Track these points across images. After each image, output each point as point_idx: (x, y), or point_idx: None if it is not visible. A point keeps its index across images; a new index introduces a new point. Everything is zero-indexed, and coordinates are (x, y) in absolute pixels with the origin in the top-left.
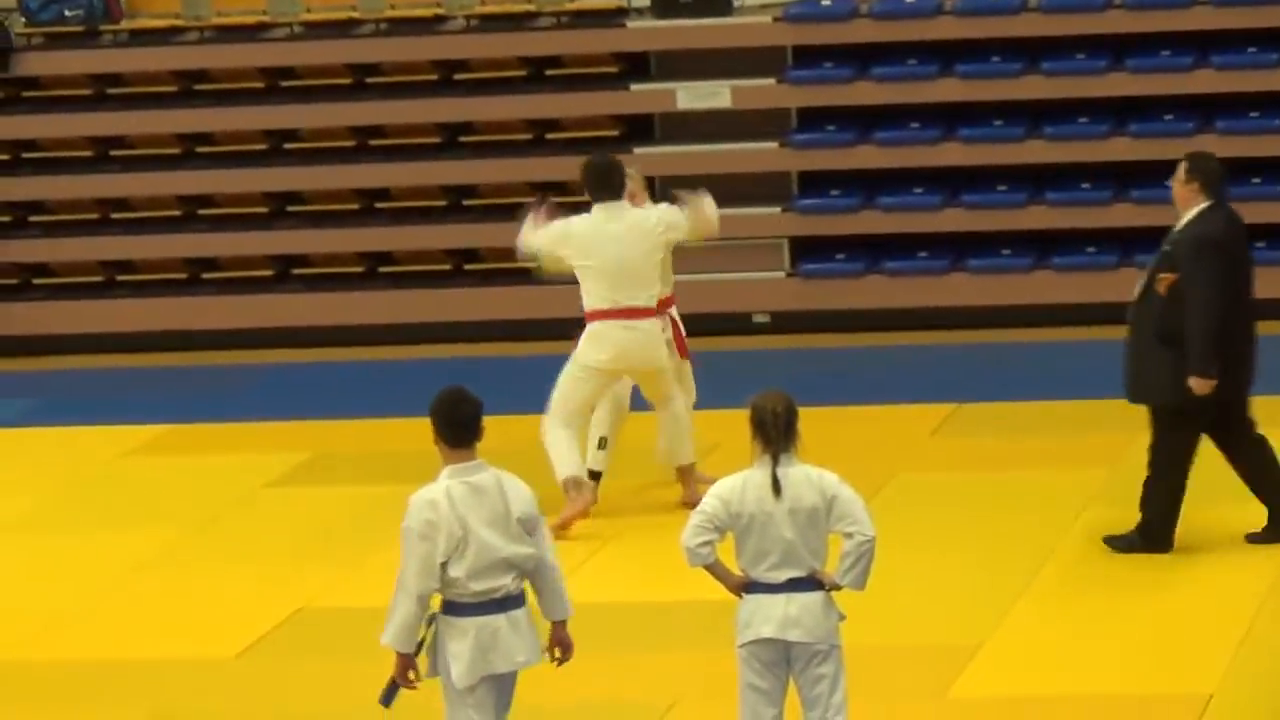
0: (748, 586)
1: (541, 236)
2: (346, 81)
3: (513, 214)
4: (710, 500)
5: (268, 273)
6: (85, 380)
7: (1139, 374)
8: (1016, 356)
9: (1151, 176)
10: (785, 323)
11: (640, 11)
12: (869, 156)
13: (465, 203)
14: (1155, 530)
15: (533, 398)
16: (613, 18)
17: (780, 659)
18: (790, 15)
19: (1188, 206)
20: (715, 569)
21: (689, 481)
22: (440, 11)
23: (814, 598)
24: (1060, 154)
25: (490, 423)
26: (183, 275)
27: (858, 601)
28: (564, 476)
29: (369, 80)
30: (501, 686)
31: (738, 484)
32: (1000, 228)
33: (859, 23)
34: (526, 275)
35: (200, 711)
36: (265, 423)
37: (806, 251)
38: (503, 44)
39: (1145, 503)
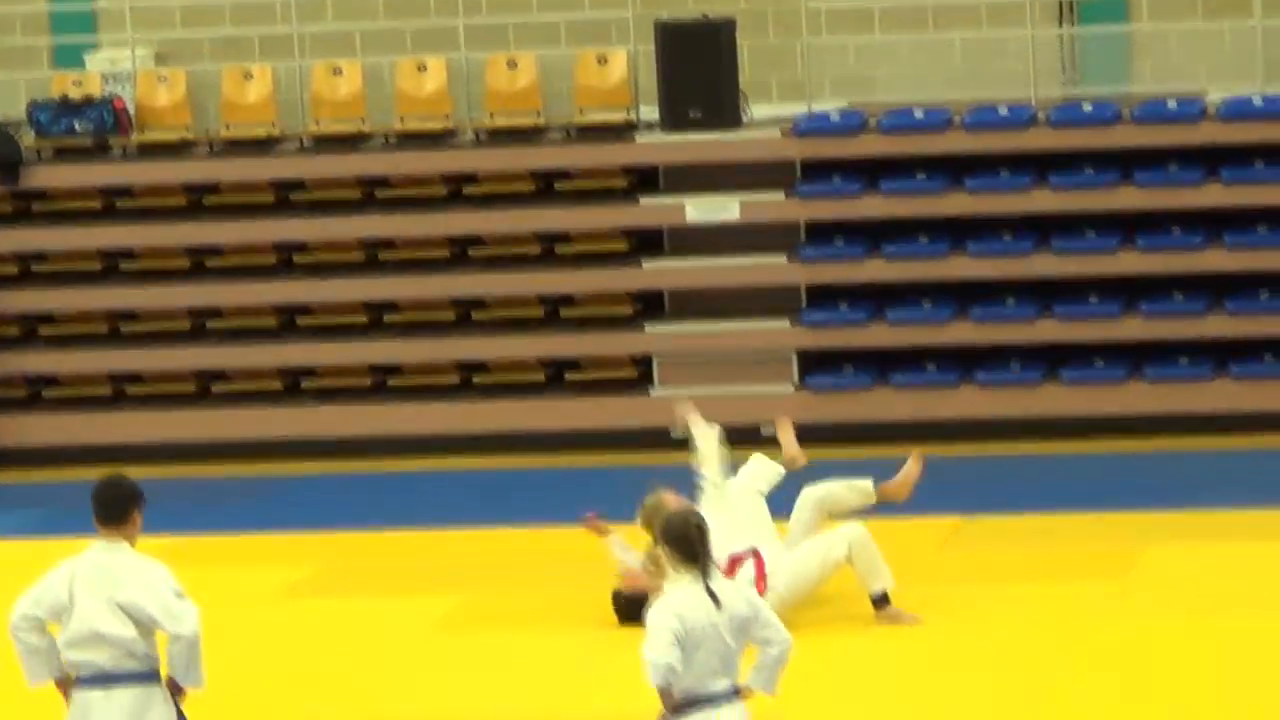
0: (686, 705)
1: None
2: (356, 195)
3: (522, 328)
4: (668, 618)
5: (275, 385)
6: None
7: None
8: (1026, 469)
9: (1161, 291)
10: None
11: (649, 125)
12: (877, 270)
13: (474, 315)
14: None
15: (535, 507)
16: (621, 131)
17: None
18: (799, 129)
19: None
20: (670, 689)
21: None
22: (450, 125)
23: (743, 705)
24: (1068, 267)
25: (491, 534)
26: (191, 388)
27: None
28: None
29: (378, 194)
30: None
31: (683, 601)
32: (1008, 341)
33: (867, 137)
34: (534, 389)
35: None
36: (272, 534)
37: (814, 365)
38: (512, 158)
39: None
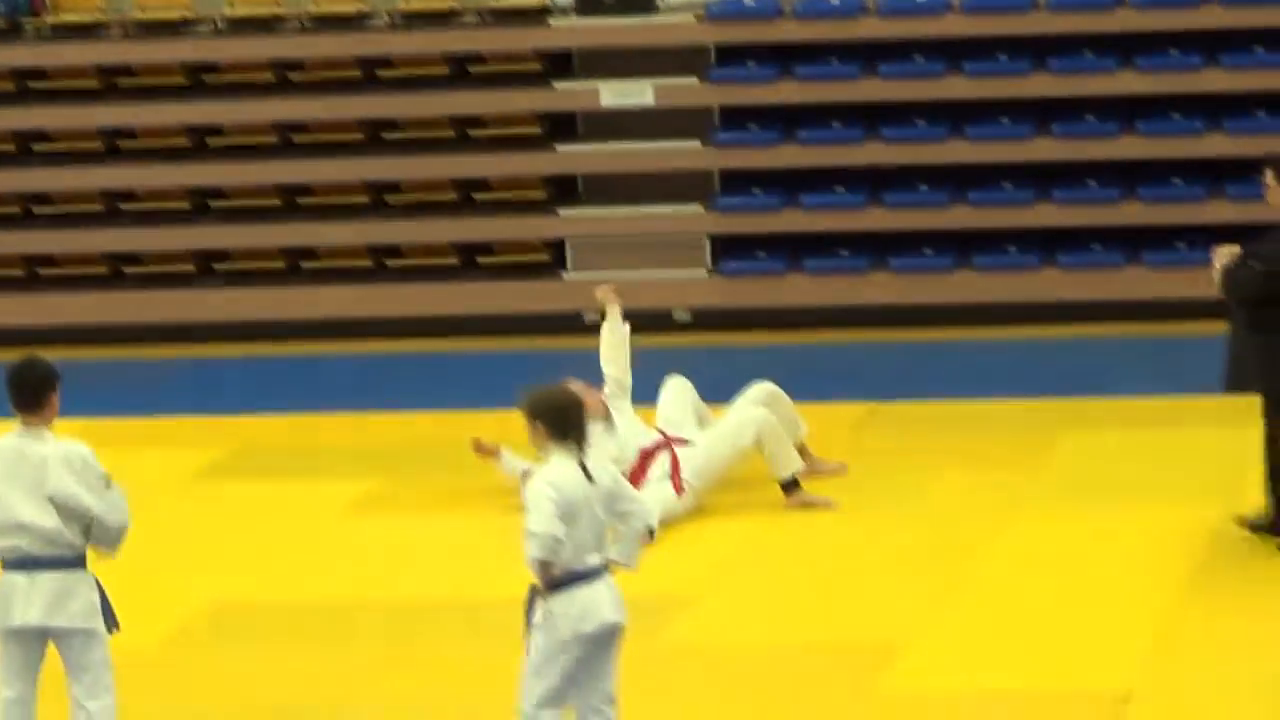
0: (563, 580)
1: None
2: (270, 78)
3: (436, 211)
4: (547, 490)
5: (189, 268)
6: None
7: (1235, 365)
8: (938, 354)
9: (1072, 178)
10: (706, 320)
11: (564, 9)
12: (791, 155)
13: (388, 199)
14: None
15: (451, 392)
16: (536, 15)
17: (600, 644)
18: (713, 14)
19: None
20: (553, 563)
21: None
22: (364, 9)
23: (612, 581)
24: (982, 154)
25: (401, 419)
26: (104, 270)
27: (782, 597)
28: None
29: (292, 77)
30: (26, 643)
31: (561, 474)
32: (921, 227)
33: (782, 22)
34: (447, 272)
35: (122, 701)
36: (185, 417)
37: (728, 250)
38: (426, 41)
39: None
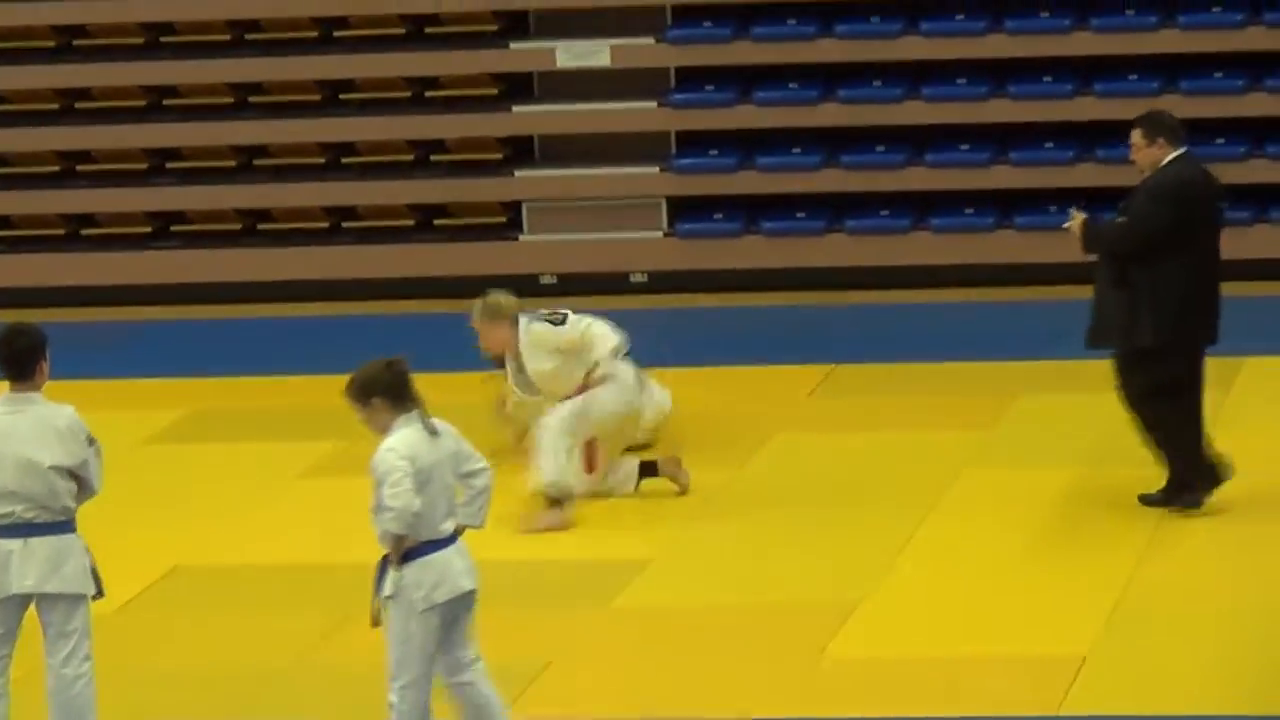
0: (415, 550)
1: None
2: (225, 38)
3: (392, 172)
4: (402, 462)
5: (145, 229)
6: None
7: (1098, 321)
8: (895, 317)
9: (1031, 139)
10: (663, 282)
11: None
12: (748, 116)
13: (344, 160)
14: (1186, 475)
15: (406, 353)
16: None
17: (455, 613)
18: None
19: (1156, 164)
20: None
21: None
22: None
23: (463, 545)
24: (939, 115)
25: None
26: (60, 231)
27: (735, 561)
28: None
29: (248, 37)
30: (13, 609)
31: (409, 440)
32: (878, 189)
33: None
34: (403, 234)
35: None
36: (140, 380)
37: (684, 211)
38: (382, 1)
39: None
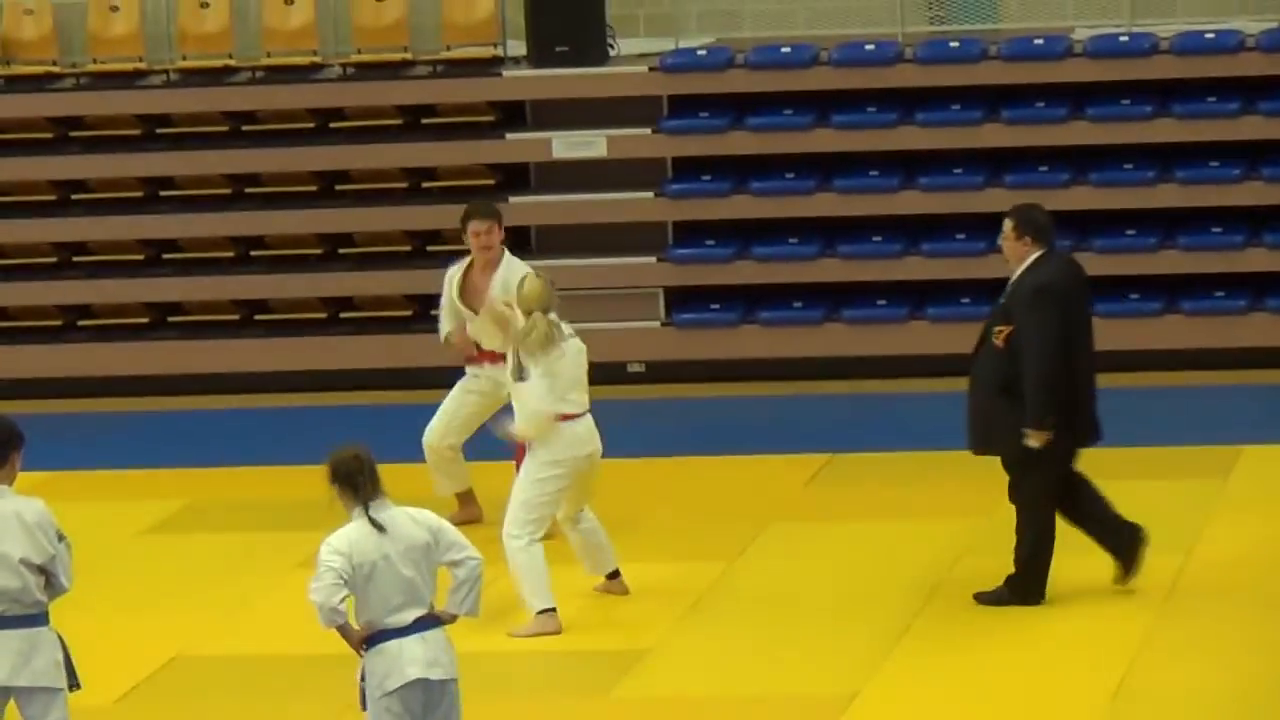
0: (372, 639)
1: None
2: (222, 129)
3: (389, 263)
4: (332, 557)
5: (142, 320)
6: None
7: (980, 426)
8: (892, 406)
9: None
10: (660, 372)
11: (516, 60)
12: (744, 206)
13: (341, 251)
14: (1022, 582)
15: (406, 446)
16: (488, 66)
17: (419, 702)
18: (666, 65)
19: (1021, 259)
20: (346, 627)
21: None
22: (316, 60)
23: (441, 634)
24: (935, 205)
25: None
26: (57, 322)
27: (735, 651)
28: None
29: (245, 128)
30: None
31: (350, 536)
32: (875, 278)
33: (734, 73)
34: (401, 324)
35: None
36: (139, 470)
37: (681, 301)
38: (378, 92)
39: (1015, 555)
